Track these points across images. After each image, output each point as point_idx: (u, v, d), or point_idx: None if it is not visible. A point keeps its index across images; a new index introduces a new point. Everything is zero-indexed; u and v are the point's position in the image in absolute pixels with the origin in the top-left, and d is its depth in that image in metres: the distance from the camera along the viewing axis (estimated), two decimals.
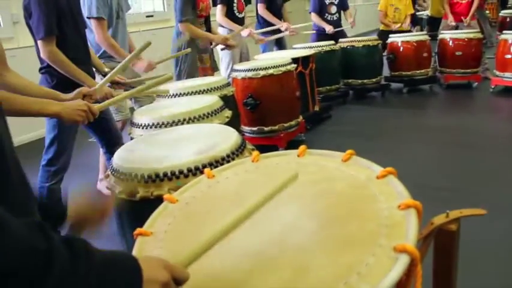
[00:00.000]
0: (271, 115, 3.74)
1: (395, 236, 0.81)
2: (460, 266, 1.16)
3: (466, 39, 5.89)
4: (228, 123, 2.14)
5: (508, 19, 8.76)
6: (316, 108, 4.62)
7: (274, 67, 3.72)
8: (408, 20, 6.60)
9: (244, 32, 4.57)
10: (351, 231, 0.85)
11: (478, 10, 6.46)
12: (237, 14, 4.58)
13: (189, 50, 3.56)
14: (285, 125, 3.82)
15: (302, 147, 1.18)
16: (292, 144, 3.77)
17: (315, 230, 0.88)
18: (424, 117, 5.03)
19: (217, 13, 4.49)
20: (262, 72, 3.69)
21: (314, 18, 5.84)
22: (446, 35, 6.04)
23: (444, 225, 0.98)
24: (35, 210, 0.97)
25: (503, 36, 5.65)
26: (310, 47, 5.02)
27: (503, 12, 9.47)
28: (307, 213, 0.93)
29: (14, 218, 0.55)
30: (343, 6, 5.98)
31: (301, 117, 4.05)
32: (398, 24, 6.42)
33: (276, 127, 3.78)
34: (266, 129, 3.78)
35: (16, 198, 0.82)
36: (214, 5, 4.61)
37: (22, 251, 0.53)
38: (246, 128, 3.82)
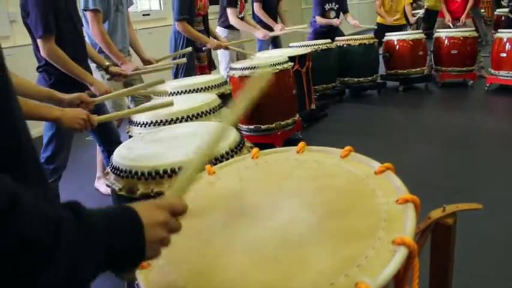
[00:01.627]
0: (268, 113, 3.75)
1: (394, 230, 0.83)
2: (457, 261, 1.18)
3: (461, 38, 5.92)
4: None
5: (503, 18, 8.79)
6: (313, 106, 4.63)
7: (271, 65, 3.73)
8: (411, 16, 6.62)
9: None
10: (350, 225, 0.87)
11: (473, 9, 6.50)
12: (238, 15, 4.65)
13: (189, 49, 3.57)
14: (282, 123, 3.83)
15: (301, 143, 1.20)
16: (289, 143, 3.78)
17: (315, 224, 0.89)
18: (420, 115, 5.06)
19: (230, 16, 4.55)
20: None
21: (320, 20, 5.85)
22: (441, 33, 6.07)
23: (441, 219, 0.99)
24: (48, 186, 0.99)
25: (498, 35, 5.69)
26: (307, 46, 5.03)
27: (498, 11, 9.51)
28: (307, 207, 0.95)
29: (24, 187, 0.56)
30: (342, 9, 6.00)
31: (297, 116, 4.06)
32: (397, 16, 6.40)
33: (273, 125, 3.79)
34: (263, 127, 3.79)
35: (29, 170, 0.84)
36: (212, 3, 4.63)
37: (37, 220, 0.55)
38: (243, 126, 3.84)
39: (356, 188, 0.98)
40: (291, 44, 5.22)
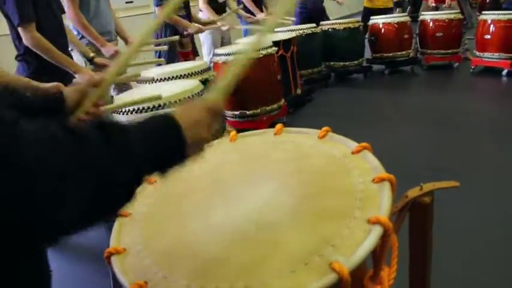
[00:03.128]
0: (253, 99, 3.73)
1: (370, 209, 0.82)
2: (438, 240, 1.18)
3: (446, 20, 5.91)
4: None
5: (487, 0, 8.79)
6: (298, 91, 4.62)
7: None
8: None
9: (224, 27, 4.54)
10: (326, 205, 0.87)
11: None
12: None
13: (176, 37, 3.54)
14: (267, 108, 3.81)
15: (278, 125, 1.19)
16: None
17: (291, 206, 0.89)
18: (406, 98, 5.06)
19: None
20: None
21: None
22: (426, 16, 6.06)
23: (418, 198, 0.99)
24: None
25: (482, 17, 5.68)
26: (292, 30, 5.00)
27: None
28: (284, 189, 0.94)
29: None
30: None
31: (283, 101, 4.04)
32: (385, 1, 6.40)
33: (258, 110, 3.77)
34: (248, 112, 3.77)
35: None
36: None
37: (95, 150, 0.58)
38: (228, 112, 3.81)
39: (333, 169, 0.97)
40: (275, 29, 5.17)
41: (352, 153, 1.00)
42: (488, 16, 5.54)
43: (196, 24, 4.04)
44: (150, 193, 1.04)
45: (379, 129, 3.87)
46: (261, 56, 3.69)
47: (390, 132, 3.81)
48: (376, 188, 0.87)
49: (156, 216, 0.97)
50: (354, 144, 1.02)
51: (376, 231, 0.76)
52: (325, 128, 1.12)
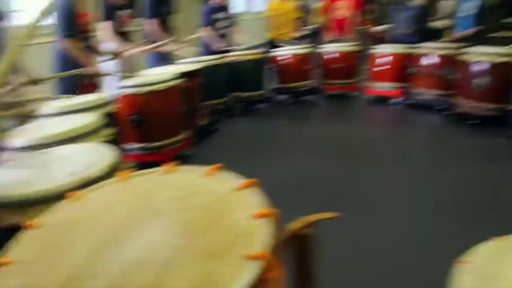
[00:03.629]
0: (157, 131, 3.71)
1: (250, 245, 0.86)
2: (339, 266, 1.25)
3: (345, 52, 6.32)
4: (111, 142, 2.11)
5: (381, 34, 9.47)
6: (204, 122, 4.67)
7: (159, 82, 3.70)
8: (295, 27, 6.87)
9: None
10: (209, 243, 0.90)
11: (356, 24, 6.94)
12: (121, 29, 4.55)
13: (78, 70, 3.46)
14: (171, 140, 3.81)
15: (170, 164, 1.22)
16: (179, 160, 3.76)
17: (176, 245, 0.90)
18: (308, 126, 5.30)
19: (104, 29, 4.41)
20: (147, 88, 3.65)
21: (206, 32, 5.91)
22: (327, 48, 6.43)
23: (300, 230, 1.06)
24: None
25: (373, 50, 6.16)
26: (197, 62, 5.06)
27: (378, 28, 10.23)
28: (170, 228, 0.96)
29: None
30: (231, 23, 6.13)
31: (188, 132, 4.06)
32: (285, 31, 6.65)
33: (162, 143, 3.75)
34: (151, 145, 3.74)
35: None
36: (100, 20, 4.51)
37: None
38: (131, 145, 3.75)
39: (218, 206, 1.01)
40: (180, 60, 5.22)
41: (239, 189, 1.04)
42: (378, 50, 6.03)
43: (94, 68, 3.90)
44: (33, 239, 1.01)
45: (282, 158, 4.01)
46: (166, 87, 3.70)
47: (293, 161, 3.95)
48: (258, 223, 0.92)
49: (39, 264, 0.95)
50: (241, 181, 1.07)
51: (254, 267, 0.80)
52: (214, 166, 1.16)
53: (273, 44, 6.51)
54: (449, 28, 6.24)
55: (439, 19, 8.03)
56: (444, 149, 4.30)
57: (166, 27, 5.30)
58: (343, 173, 3.66)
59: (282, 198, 2.86)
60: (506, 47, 4.92)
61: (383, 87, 6.04)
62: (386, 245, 2.54)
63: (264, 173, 3.46)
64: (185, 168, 1.22)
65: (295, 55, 6.19)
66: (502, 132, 4.62)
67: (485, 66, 4.88)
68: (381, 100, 6.06)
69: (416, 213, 2.93)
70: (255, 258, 0.82)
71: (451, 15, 6.42)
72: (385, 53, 6.00)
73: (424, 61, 5.64)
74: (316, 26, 8.39)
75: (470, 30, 5.69)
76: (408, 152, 4.22)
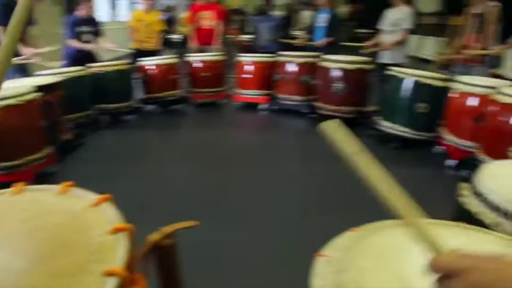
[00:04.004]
0: (13, 149, 3.43)
1: (106, 261, 0.84)
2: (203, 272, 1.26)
3: (211, 61, 6.42)
4: None
5: (246, 43, 9.79)
6: (68, 136, 4.42)
7: (14, 97, 3.43)
8: (159, 39, 6.77)
9: None
10: (62, 264, 0.85)
11: (222, 34, 7.07)
12: None
13: None
14: (31, 157, 3.54)
15: (17, 184, 1.14)
16: (41, 178, 3.54)
17: (26, 270, 0.85)
18: (178, 136, 5.28)
19: None
20: (0, 103, 3.36)
21: (73, 44, 5.62)
22: (193, 57, 6.47)
23: (160, 242, 1.05)
24: None
25: (240, 58, 6.35)
26: (58, 73, 4.77)
27: (243, 37, 10.56)
28: (18, 253, 0.90)
29: None
30: (96, 33, 5.89)
31: (50, 148, 3.81)
32: (150, 42, 6.54)
33: (20, 161, 3.48)
34: (9, 164, 3.45)
35: None
36: None
37: None
38: None
39: (71, 224, 0.97)
40: (38, 72, 4.89)
41: (92, 206, 1.01)
42: (244, 58, 6.23)
43: None
44: None
45: (151, 169, 3.95)
46: (22, 102, 3.44)
47: (163, 171, 3.91)
48: (114, 239, 0.90)
49: None
50: (95, 197, 1.04)
51: (111, 284, 0.78)
52: (66, 183, 1.11)
53: (138, 54, 6.38)
54: (307, 38, 6.64)
55: (299, 29, 8.53)
56: (310, 151, 4.56)
57: (22, 38, 4.93)
58: (213, 181, 3.70)
59: (150, 209, 2.83)
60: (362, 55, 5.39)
61: (250, 94, 6.25)
62: (252, 249, 2.60)
63: (132, 185, 3.43)
64: (36, 187, 1.15)
65: (161, 65, 6.15)
66: (361, 132, 5.03)
67: (341, 72, 5.28)
68: (249, 107, 6.26)
69: (284, 216, 3.06)
70: (111, 274, 0.80)
71: (309, 26, 6.85)
72: (250, 61, 6.22)
73: (287, 69, 5.94)
74: (182, 35, 8.44)
75: (323, 40, 6.12)
76: (277, 157, 4.41)
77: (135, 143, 4.89)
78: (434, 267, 0.64)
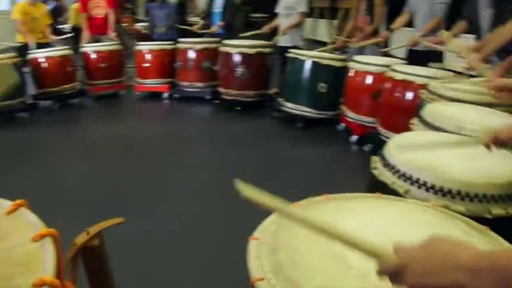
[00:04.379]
0: None
1: (33, 271, 0.78)
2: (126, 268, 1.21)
3: (107, 52, 6.16)
4: None
5: (142, 31, 9.50)
6: None
7: None
8: (48, 32, 6.35)
9: None
10: None
11: (116, 23, 6.79)
12: None
13: None
14: None
15: None
16: None
17: None
18: (78, 130, 5.01)
19: None
20: None
21: None
22: (88, 48, 6.15)
23: (87, 243, 0.99)
24: None
25: (138, 48, 6.17)
26: None
27: (138, 25, 10.25)
28: None
29: None
30: None
31: None
32: (40, 35, 6.10)
33: None
34: None
35: None
36: None
37: None
38: None
39: None
40: None
41: (7, 213, 0.93)
42: (144, 47, 6.07)
43: None
44: None
45: (53, 168, 3.70)
46: None
47: (64, 169, 3.70)
48: (38, 246, 0.83)
49: None
50: (7, 204, 0.95)
51: None
52: None
53: (26, 47, 5.92)
54: (204, 24, 6.59)
55: (195, 15, 8.44)
56: (219, 136, 4.57)
57: None
58: (121, 174, 3.57)
59: (58, 211, 2.67)
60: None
61: (151, 83, 6.11)
62: (176, 240, 2.58)
63: (32, 187, 3.16)
64: None
65: (54, 57, 5.76)
66: (267, 114, 5.15)
67: (242, 57, 5.32)
68: (152, 96, 6.11)
69: (200, 204, 3.05)
70: (42, 285, 0.74)
71: (205, 12, 6.79)
72: (149, 50, 6.07)
73: (187, 56, 5.87)
74: (74, 26, 8.00)
75: (219, 24, 6.13)
76: (183, 144, 4.36)
77: (31, 143, 4.49)
78: (382, 272, 0.68)
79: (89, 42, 6.32)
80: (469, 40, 3.07)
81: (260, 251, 1.01)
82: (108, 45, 6.23)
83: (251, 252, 1.00)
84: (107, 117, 5.53)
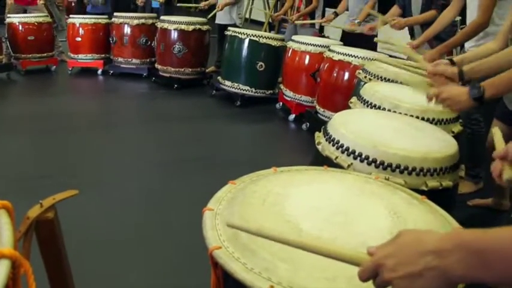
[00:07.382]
0: None
1: None
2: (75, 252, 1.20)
3: (36, 24, 5.83)
4: None
5: (73, 4, 9.08)
6: None
7: None
8: None
9: None
10: None
11: None
12: None
13: None
14: None
15: None
16: None
17: None
18: (6, 107, 4.74)
19: None
20: None
21: None
22: (14, 19, 5.80)
23: (41, 216, 0.98)
24: None
25: (70, 21, 5.92)
26: None
27: None
28: None
29: None
30: None
31: None
32: None
33: None
34: None
35: None
36: None
37: None
38: None
39: None
40: None
41: None
42: (76, 20, 5.82)
43: None
44: None
45: None
46: None
47: None
48: None
49: None
50: None
51: (4, 266, 0.72)
52: None
53: None
54: None
55: None
56: (156, 114, 4.52)
57: None
58: (55, 154, 3.44)
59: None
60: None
61: (85, 59, 5.89)
62: (126, 217, 2.56)
63: None
64: None
65: None
66: (205, 92, 5.14)
67: (179, 34, 5.25)
68: (86, 71, 5.90)
69: (142, 180, 3.02)
70: (1, 257, 0.73)
71: None
72: (82, 23, 5.82)
73: (123, 31, 5.70)
74: None
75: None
76: (119, 121, 4.28)
77: None
78: (363, 278, 0.71)
79: (16, 13, 5.96)
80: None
81: (216, 221, 1.03)
82: (37, 16, 5.89)
83: (206, 223, 1.02)
84: (37, 92, 5.28)
